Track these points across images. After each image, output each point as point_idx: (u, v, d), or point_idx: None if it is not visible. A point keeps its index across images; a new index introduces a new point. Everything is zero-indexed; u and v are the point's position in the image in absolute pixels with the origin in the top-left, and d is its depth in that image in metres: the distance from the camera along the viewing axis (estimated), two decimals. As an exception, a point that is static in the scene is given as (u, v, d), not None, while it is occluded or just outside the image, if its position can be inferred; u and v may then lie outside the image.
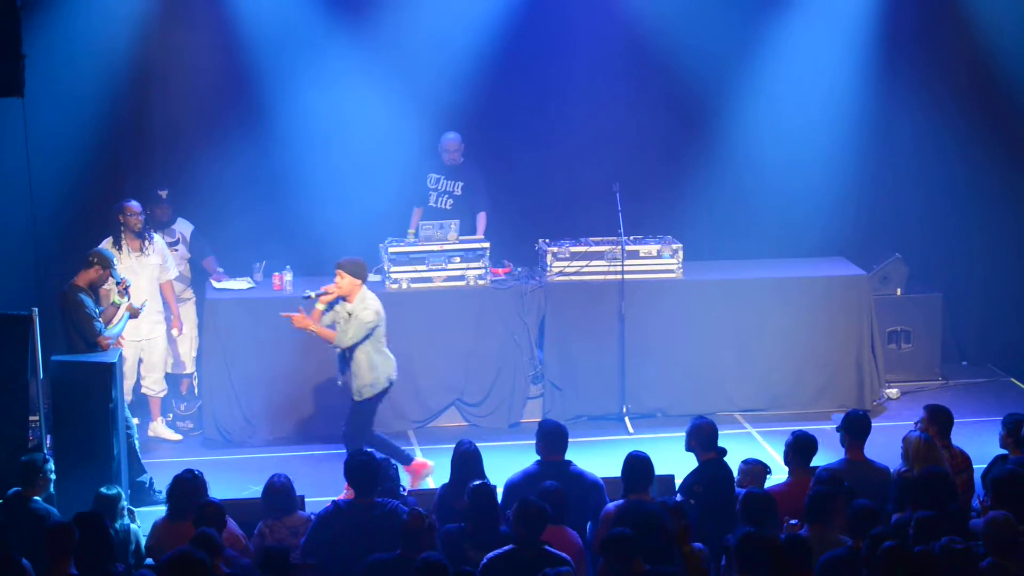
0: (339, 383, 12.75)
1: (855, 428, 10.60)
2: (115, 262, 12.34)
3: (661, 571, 8.63)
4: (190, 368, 14.56)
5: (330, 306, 12.53)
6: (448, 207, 14.88)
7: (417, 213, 14.96)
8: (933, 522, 8.95)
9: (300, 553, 9.49)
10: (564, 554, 8.99)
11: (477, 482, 9.67)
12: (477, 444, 10.56)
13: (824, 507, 9.14)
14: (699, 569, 8.93)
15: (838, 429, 10.69)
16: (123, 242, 13.56)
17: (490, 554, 8.99)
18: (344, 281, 12.38)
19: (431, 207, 14.91)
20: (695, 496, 10.08)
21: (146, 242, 13.67)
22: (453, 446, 10.65)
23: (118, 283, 12.48)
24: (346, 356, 12.50)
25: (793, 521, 9.45)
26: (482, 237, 14.57)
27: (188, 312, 14.52)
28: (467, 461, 10.37)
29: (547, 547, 8.99)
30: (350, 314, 12.37)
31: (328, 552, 9.53)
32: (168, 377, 14.24)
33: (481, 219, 14.86)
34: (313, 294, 12.58)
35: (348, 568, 9.35)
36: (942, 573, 8.29)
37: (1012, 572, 8.71)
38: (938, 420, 10.74)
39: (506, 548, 9.00)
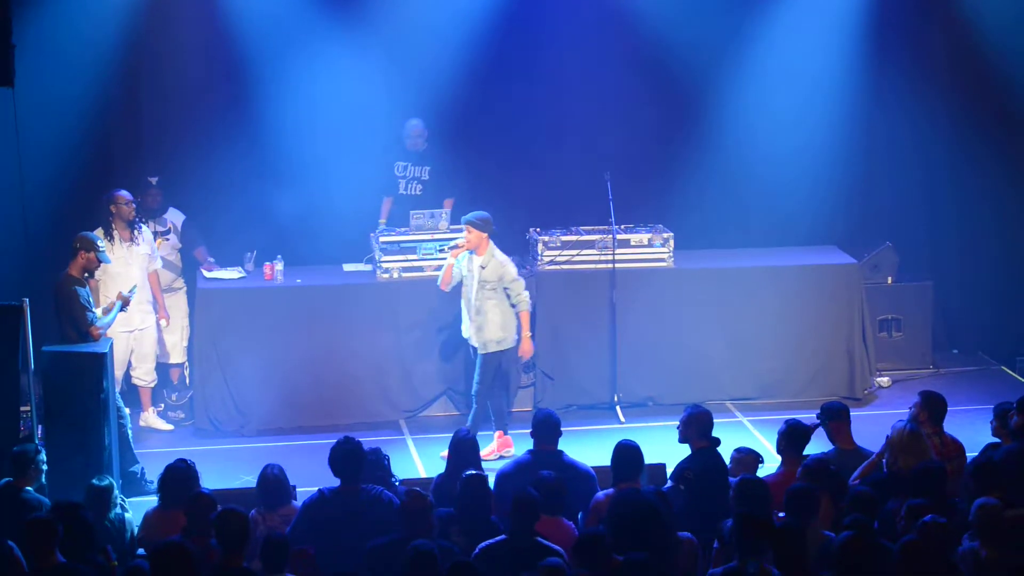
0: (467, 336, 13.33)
1: (832, 414, 10.68)
2: (99, 244, 12.32)
3: (634, 560, 8.59)
4: (181, 358, 14.55)
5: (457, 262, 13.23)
6: (418, 192, 14.86)
7: (387, 202, 14.93)
8: (923, 510, 8.97)
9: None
10: (557, 546, 8.98)
11: (471, 471, 9.69)
12: (466, 434, 10.59)
13: (803, 502, 9.11)
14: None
15: (821, 423, 10.73)
16: (114, 232, 13.55)
17: (482, 544, 8.99)
18: (472, 236, 13.06)
19: (401, 195, 14.86)
20: (685, 482, 10.09)
21: (136, 231, 13.67)
22: (443, 435, 10.66)
23: (108, 264, 12.51)
24: (472, 307, 13.12)
25: (781, 515, 9.44)
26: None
27: (179, 302, 14.51)
28: (464, 449, 10.38)
29: (539, 538, 8.99)
30: (483, 267, 13.07)
31: (314, 539, 9.53)
32: (159, 367, 14.23)
33: (448, 205, 14.75)
34: (447, 248, 13.23)
35: (335, 555, 9.35)
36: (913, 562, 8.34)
37: (999, 558, 8.75)
38: (930, 406, 10.76)
39: (498, 539, 9.01)
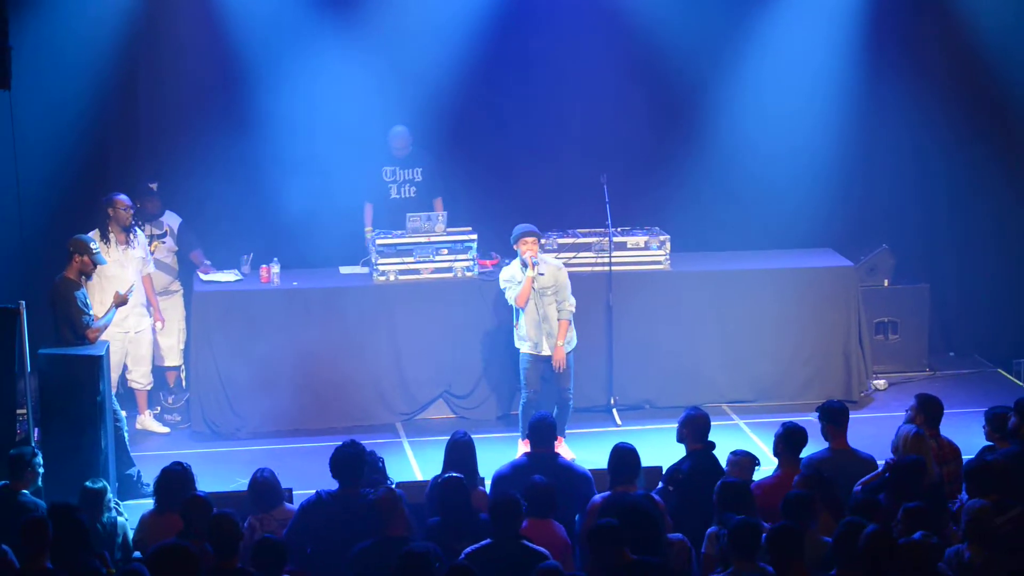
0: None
1: (834, 417, 10.65)
2: (93, 246, 12.31)
3: (647, 561, 8.65)
4: (177, 361, 14.53)
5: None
6: (412, 195, 14.88)
7: (369, 209, 14.93)
8: (919, 513, 8.99)
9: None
10: (543, 548, 8.99)
11: (447, 475, 9.70)
12: (462, 436, 10.59)
13: (799, 509, 9.12)
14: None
15: (819, 419, 10.73)
16: (109, 235, 13.54)
17: (467, 549, 8.99)
18: (536, 246, 13.13)
19: (394, 199, 14.87)
20: (675, 483, 10.10)
21: (131, 235, 13.67)
22: (440, 438, 10.65)
23: (103, 265, 12.53)
24: (538, 316, 13.19)
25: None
26: (469, 229, 14.53)
27: (176, 305, 14.50)
28: (460, 452, 10.37)
29: (525, 541, 8.99)
30: (541, 274, 13.13)
31: (311, 542, 9.53)
32: (155, 370, 14.22)
33: (439, 205, 14.83)
34: (534, 269, 13.11)
35: (331, 557, 9.35)
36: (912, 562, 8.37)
37: (990, 560, 8.77)
38: (926, 409, 10.76)
39: (483, 543, 9.01)
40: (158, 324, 14.13)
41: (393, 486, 10.37)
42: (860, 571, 8.34)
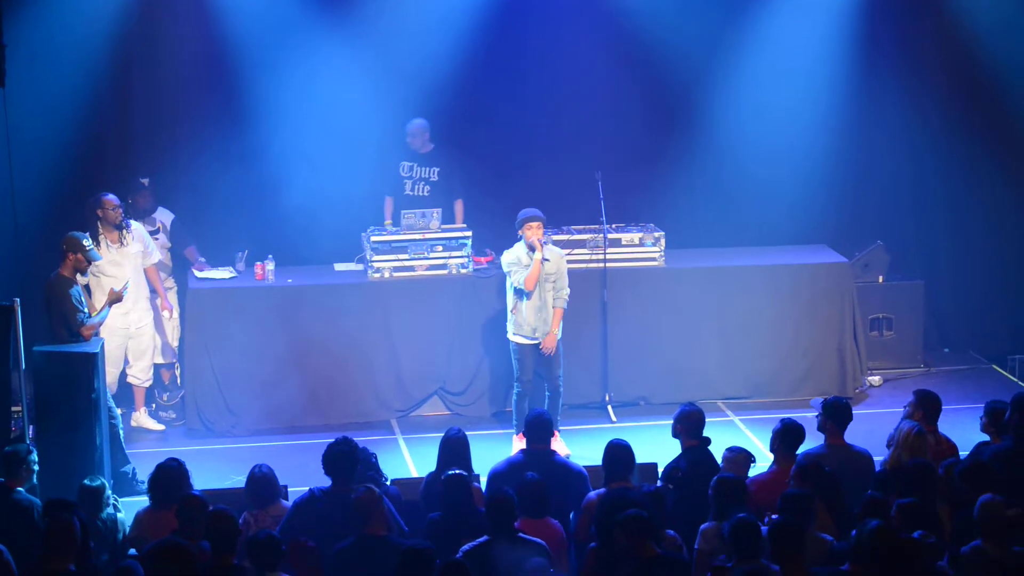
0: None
1: (838, 415, 10.62)
2: (86, 242, 12.29)
3: (671, 556, 8.65)
4: (172, 358, 14.51)
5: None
6: (426, 193, 14.85)
7: (389, 202, 14.92)
8: (913, 509, 8.98)
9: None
10: (539, 540, 9.02)
11: (450, 472, 9.69)
12: (458, 433, 10.59)
13: (799, 507, 9.11)
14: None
15: (819, 415, 10.70)
16: (101, 236, 13.49)
17: (465, 547, 9.00)
18: (541, 231, 12.99)
19: (408, 195, 14.84)
20: (674, 480, 10.11)
21: (124, 232, 13.62)
22: (435, 435, 10.65)
23: (98, 260, 12.54)
24: (538, 301, 13.17)
25: (775, 516, 9.41)
26: (464, 225, 14.55)
27: (170, 301, 14.48)
28: (454, 448, 10.37)
29: (521, 534, 9.03)
30: (547, 260, 13.11)
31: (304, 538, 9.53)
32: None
33: (459, 207, 14.84)
34: (542, 250, 13.08)
35: (323, 554, 9.35)
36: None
37: (999, 556, 8.76)
38: (925, 405, 10.76)
39: (481, 539, 9.03)
40: (165, 313, 14.11)
41: (388, 482, 10.40)
42: (876, 571, 8.32)
